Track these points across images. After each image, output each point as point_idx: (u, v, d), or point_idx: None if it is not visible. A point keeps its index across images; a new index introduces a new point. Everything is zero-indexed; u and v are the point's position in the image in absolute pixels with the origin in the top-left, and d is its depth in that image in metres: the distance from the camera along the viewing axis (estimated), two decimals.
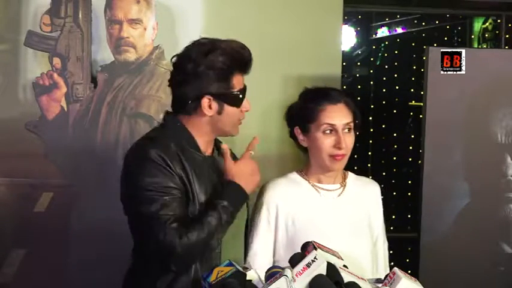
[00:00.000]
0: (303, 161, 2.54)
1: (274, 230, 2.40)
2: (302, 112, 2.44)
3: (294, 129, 2.46)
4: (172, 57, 2.31)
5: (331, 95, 2.43)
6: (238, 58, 2.26)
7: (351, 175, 2.54)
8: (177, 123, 2.29)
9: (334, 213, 2.42)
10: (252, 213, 2.44)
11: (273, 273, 1.79)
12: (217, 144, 2.42)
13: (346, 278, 1.76)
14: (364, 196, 2.51)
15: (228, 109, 2.27)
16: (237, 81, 2.27)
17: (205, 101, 2.24)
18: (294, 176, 2.50)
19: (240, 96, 2.27)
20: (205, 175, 2.27)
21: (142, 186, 2.15)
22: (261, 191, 2.44)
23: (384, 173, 5.87)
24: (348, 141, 2.39)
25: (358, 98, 5.81)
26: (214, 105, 2.25)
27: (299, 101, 2.51)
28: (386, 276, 1.88)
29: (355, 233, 2.42)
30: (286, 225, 2.39)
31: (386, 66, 6.09)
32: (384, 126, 5.90)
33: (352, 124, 2.41)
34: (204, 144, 2.33)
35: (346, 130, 2.39)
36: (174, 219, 2.10)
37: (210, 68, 2.22)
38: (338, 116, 2.38)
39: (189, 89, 2.26)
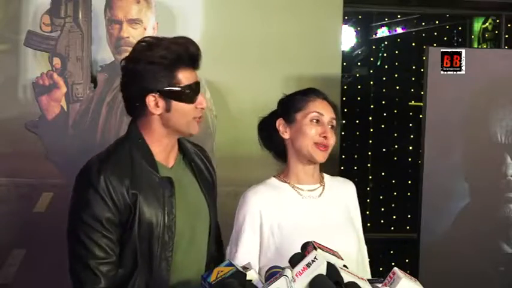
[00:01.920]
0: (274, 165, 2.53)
1: (260, 238, 2.38)
2: (288, 103, 2.44)
3: (277, 121, 2.44)
4: (120, 61, 2.23)
5: (317, 91, 2.46)
6: (180, 51, 2.15)
7: (326, 176, 2.54)
8: (139, 138, 2.20)
9: (318, 214, 2.41)
10: (235, 223, 2.41)
11: (273, 273, 1.79)
12: (183, 148, 2.33)
13: (346, 278, 1.76)
14: (343, 194, 2.52)
15: (177, 105, 2.16)
16: (183, 76, 2.15)
17: (150, 99, 2.14)
18: (273, 180, 2.47)
19: (189, 91, 2.16)
20: (159, 197, 2.16)
21: (79, 215, 2.15)
22: (242, 201, 2.42)
23: (383, 173, 5.87)
24: (332, 136, 2.40)
25: (358, 98, 5.82)
26: (161, 102, 2.15)
27: (281, 101, 2.50)
28: (386, 276, 1.88)
29: (341, 231, 2.42)
30: (271, 231, 2.36)
31: (386, 66, 6.09)
32: (383, 126, 5.90)
33: (334, 122, 2.43)
34: (164, 154, 2.23)
35: (330, 126, 2.40)
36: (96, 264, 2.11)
37: (150, 64, 2.13)
38: (326, 109, 2.41)
39: (134, 89, 2.18)
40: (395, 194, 5.83)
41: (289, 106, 2.43)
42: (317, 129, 2.38)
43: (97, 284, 2.10)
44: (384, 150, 5.93)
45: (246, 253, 2.35)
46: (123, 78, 2.21)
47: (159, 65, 2.13)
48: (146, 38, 2.22)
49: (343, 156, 5.04)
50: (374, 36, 6.15)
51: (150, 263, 2.15)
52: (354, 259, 2.40)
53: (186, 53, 2.16)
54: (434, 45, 5.63)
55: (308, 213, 2.40)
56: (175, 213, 2.17)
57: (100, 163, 2.15)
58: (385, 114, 5.90)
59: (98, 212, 2.10)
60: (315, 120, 2.39)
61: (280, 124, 2.43)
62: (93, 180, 2.11)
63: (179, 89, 2.15)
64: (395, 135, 5.94)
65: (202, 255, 2.30)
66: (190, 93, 2.17)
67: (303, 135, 2.39)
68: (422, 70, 3.97)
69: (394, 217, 5.70)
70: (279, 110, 2.48)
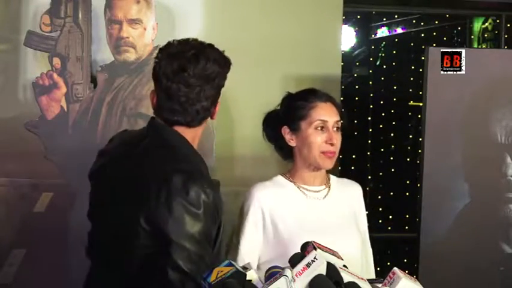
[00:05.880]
0: (284, 164, 2.54)
1: (262, 233, 2.39)
2: (291, 110, 2.44)
3: (282, 129, 2.44)
4: None
5: (319, 93, 2.45)
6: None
7: (332, 177, 2.56)
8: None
9: (322, 215, 2.42)
10: (238, 217, 2.43)
11: (272, 273, 1.79)
12: None
13: (346, 278, 1.76)
14: (349, 196, 2.53)
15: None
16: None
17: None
18: (279, 178, 2.49)
19: None
20: None
21: (191, 232, 1.99)
22: (247, 195, 2.43)
23: (381, 173, 5.87)
24: (338, 139, 2.40)
25: (356, 98, 5.82)
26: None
27: (284, 103, 2.50)
28: (386, 276, 1.88)
29: (344, 233, 2.43)
30: (275, 227, 2.38)
31: (385, 66, 6.09)
32: (382, 126, 5.90)
33: (340, 123, 2.42)
34: None
35: (335, 128, 2.40)
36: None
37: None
38: (329, 113, 2.41)
39: None
40: (392, 194, 5.83)
41: (293, 114, 2.42)
42: (322, 136, 2.39)
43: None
44: (382, 150, 5.94)
45: (247, 245, 2.37)
46: None
47: None
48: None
49: (341, 157, 5.03)
50: (373, 36, 6.16)
51: None
52: (357, 261, 2.41)
53: None
54: (434, 45, 5.63)
55: (312, 213, 2.41)
56: None
57: (207, 178, 2.08)
58: (384, 114, 5.91)
59: (207, 230, 2.02)
60: (319, 128, 2.39)
61: (285, 132, 2.44)
62: (210, 198, 2.01)
63: None
64: (394, 135, 5.95)
65: None
66: None
67: (309, 145, 2.40)
68: (421, 70, 3.97)
69: (391, 217, 5.71)
70: (282, 116, 2.46)
